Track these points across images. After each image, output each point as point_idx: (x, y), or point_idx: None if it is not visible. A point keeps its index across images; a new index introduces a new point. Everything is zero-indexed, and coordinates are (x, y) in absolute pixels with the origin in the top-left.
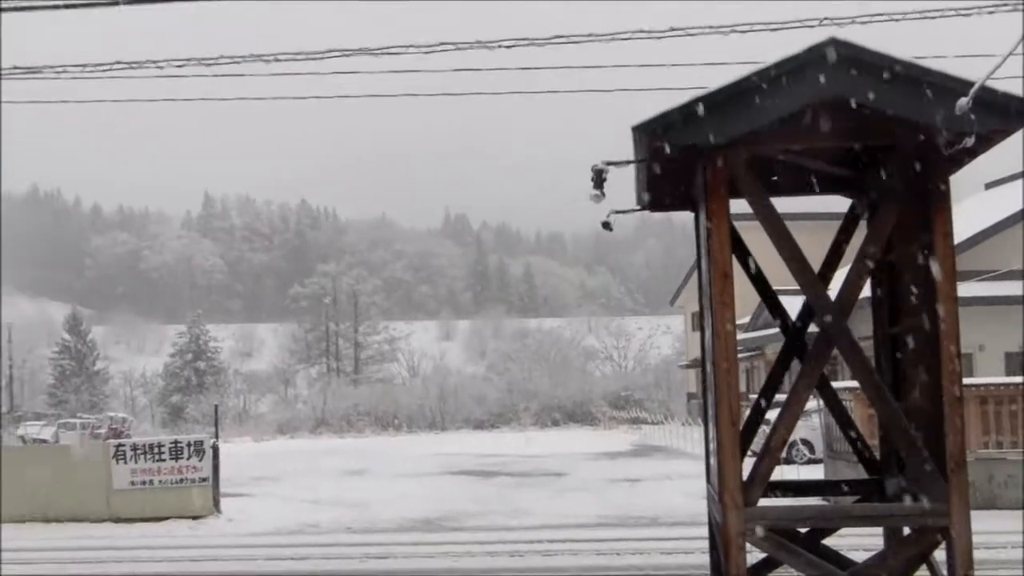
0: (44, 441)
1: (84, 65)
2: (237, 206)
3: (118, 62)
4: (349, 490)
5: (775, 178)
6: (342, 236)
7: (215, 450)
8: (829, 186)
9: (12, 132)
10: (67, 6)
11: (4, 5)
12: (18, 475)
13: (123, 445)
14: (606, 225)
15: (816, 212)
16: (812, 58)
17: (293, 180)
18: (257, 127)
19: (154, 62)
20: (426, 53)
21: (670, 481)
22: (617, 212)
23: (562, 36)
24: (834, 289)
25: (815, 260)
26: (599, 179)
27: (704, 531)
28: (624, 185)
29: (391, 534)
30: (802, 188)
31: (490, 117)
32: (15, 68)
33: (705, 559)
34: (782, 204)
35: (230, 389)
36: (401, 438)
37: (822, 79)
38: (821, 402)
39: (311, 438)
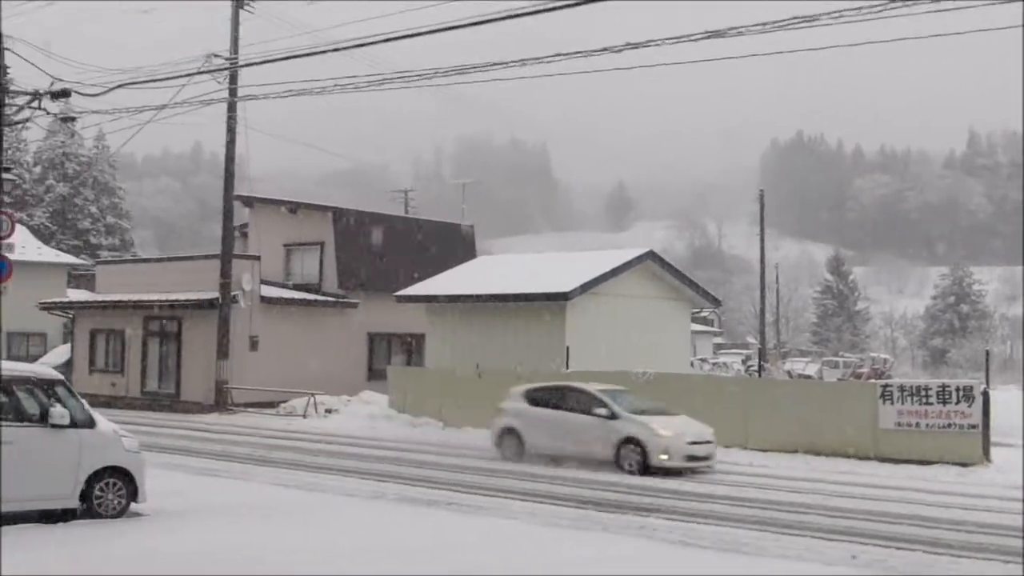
0: (809, 377)
1: None
2: (1003, 142)
3: None
4: None
5: None
6: None
7: (986, 397)
8: None
9: (784, 82)
10: None
11: None
12: (788, 408)
13: (890, 386)
14: None
15: None
16: None
17: None
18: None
19: None
20: None
21: None
22: None
23: None
24: None
25: None
26: None
27: None
28: None
29: None
30: None
31: None
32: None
33: None
34: None
35: (995, 334)
36: None
37: None
38: None
39: None
